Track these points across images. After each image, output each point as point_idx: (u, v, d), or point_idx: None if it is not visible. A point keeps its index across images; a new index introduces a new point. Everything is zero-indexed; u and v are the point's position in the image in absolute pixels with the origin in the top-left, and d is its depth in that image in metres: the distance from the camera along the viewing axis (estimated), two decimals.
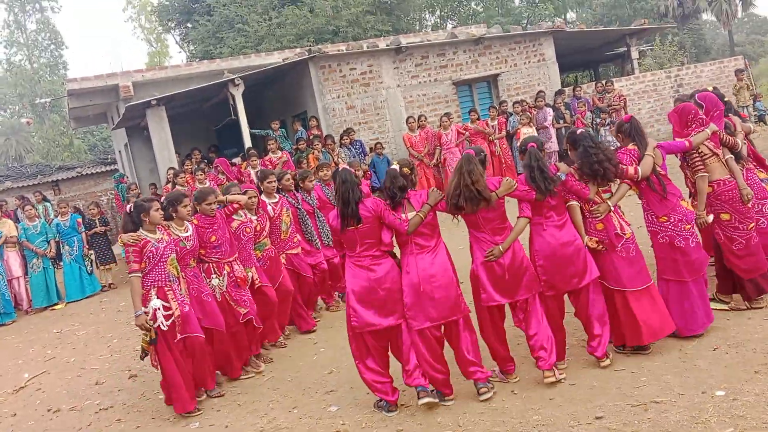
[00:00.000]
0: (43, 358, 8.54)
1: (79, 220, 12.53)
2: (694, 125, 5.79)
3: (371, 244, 5.04)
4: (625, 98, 16.04)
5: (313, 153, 13.36)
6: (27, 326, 10.74)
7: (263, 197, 7.34)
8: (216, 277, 6.24)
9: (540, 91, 15.89)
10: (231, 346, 6.28)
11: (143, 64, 50.39)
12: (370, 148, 14.68)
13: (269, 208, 7.32)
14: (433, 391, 5.03)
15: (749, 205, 5.76)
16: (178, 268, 5.82)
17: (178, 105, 15.34)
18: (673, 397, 4.43)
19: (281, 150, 13.53)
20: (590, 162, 5.19)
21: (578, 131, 5.51)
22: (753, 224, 5.79)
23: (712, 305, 5.71)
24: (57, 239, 12.27)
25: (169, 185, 12.57)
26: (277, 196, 7.56)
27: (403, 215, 5.02)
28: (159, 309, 5.49)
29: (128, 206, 5.89)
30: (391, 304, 5.00)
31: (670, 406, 4.31)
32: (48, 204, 15.66)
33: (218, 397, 6.03)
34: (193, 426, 5.51)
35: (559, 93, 16.03)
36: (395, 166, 5.15)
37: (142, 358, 5.76)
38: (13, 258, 11.72)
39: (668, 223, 5.41)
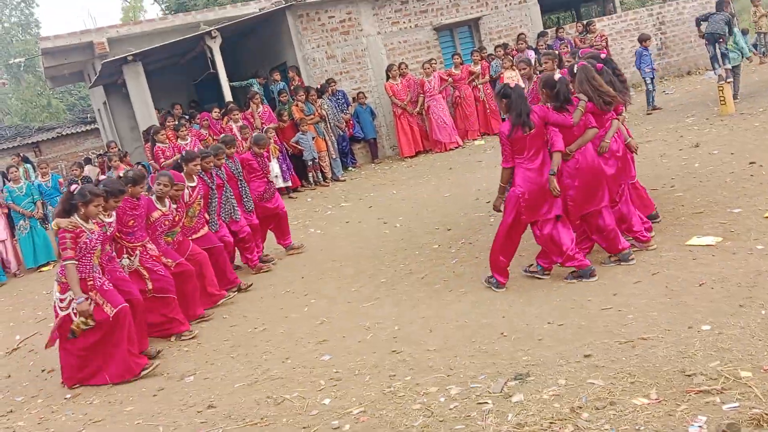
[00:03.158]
0: (34, 319, 8.53)
1: (61, 180, 12.37)
2: None
3: (539, 147, 5.81)
4: (606, 38, 15.91)
5: (296, 105, 13.22)
6: (16, 288, 10.70)
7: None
8: (127, 257, 6.39)
9: (521, 34, 15.71)
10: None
11: (118, 19, 49.26)
12: (353, 98, 14.54)
13: (186, 192, 7.09)
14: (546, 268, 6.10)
15: None
16: (100, 257, 5.90)
17: (156, 60, 15.05)
18: (660, 333, 4.50)
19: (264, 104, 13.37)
20: (611, 82, 6.13)
21: (576, 67, 6.12)
22: None
23: (696, 241, 5.94)
24: (41, 200, 12.11)
25: (149, 143, 12.38)
26: (195, 179, 7.35)
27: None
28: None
29: (72, 186, 5.90)
30: (553, 199, 5.85)
31: (657, 342, 4.38)
32: (29, 166, 15.43)
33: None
34: (188, 380, 5.55)
35: (541, 35, 15.85)
36: (559, 75, 5.96)
37: (68, 338, 5.81)
38: None
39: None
